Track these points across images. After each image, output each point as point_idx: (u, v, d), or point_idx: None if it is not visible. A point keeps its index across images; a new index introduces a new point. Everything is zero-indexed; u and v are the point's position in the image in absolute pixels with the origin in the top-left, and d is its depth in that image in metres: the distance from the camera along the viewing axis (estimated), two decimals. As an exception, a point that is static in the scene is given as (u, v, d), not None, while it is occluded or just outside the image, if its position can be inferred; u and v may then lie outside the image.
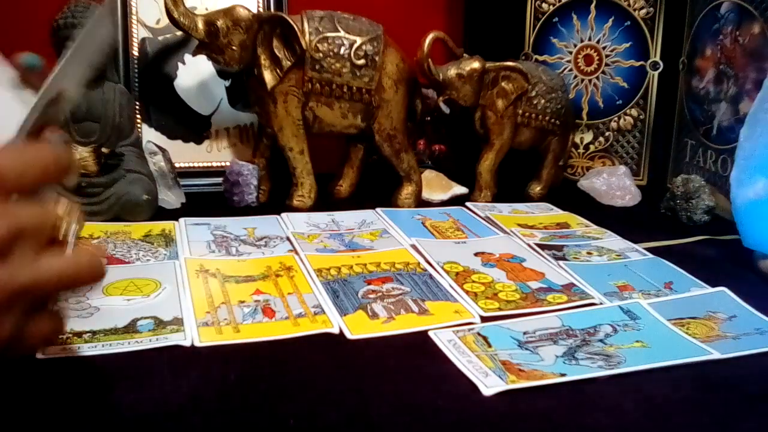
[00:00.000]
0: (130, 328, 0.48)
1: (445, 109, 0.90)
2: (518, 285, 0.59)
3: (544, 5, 0.97)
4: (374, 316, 0.52)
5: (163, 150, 0.81)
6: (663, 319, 0.52)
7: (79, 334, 0.46)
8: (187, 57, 0.89)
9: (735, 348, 0.48)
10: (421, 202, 0.86)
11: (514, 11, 0.98)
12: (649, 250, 0.69)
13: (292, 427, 0.38)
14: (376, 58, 0.79)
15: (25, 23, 0.85)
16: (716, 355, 0.47)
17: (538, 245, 0.69)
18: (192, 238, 0.67)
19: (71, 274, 0.32)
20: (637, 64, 0.97)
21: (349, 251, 0.66)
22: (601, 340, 0.49)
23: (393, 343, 0.48)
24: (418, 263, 0.63)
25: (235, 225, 0.72)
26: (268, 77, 0.76)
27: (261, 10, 0.91)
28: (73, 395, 0.40)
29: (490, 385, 0.42)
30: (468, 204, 0.85)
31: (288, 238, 0.69)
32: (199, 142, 0.90)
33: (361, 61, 0.78)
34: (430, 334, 0.49)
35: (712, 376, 0.45)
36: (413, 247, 0.67)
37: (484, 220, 0.79)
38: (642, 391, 0.43)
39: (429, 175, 0.90)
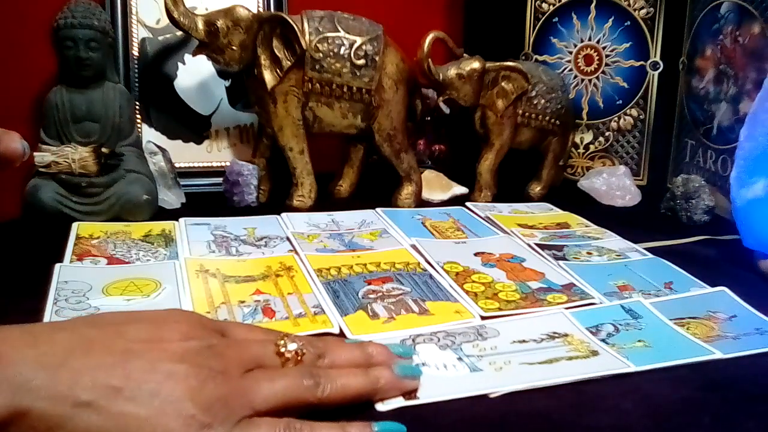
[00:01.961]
0: (130, 328, 0.48)
1: (445, 109, 0.89)
2: (518, 285, 0.59)
3: (544, 5, 0.96)
4: (374, 316, 0.52)
5: (163, 150, 0.81)
6: (665, 319, 0.52)
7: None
8: (187, 57, 0.89)
9: (735, 348, 0.48)
10: (421, 202, 0.86)
11: (514, 11, 0.98)
12: (649, 250, 0.69)
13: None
14: (376, 58, 0.79)
15: (25, 23, 0.85)
16: (719, 354, 0.47)
17: (538, 245, 0.69)
18: (192, 238, 0.67)
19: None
20: (637, 64, 0.97)
21: (349, 251, 0.66)
22: (603, 340, 0.49)
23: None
24: (418, 263, 0.63)
25: (235, 225, 0.72)
26: (268, 77, 0.76)
27: (261, 10, 0.91)
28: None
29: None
30: (468, 204, 0.85)
31: (288, 238, 0.69)
32: (199, 142, 0.90)
33: (361, 61, 0.78)
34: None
35: (712, 376, 0.45)
36: (413, 247, 0.67)
37: (484, 220, 0.79)
38: (642, 391, 0.43)
39: (429, 175, 0.90)
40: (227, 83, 0.88)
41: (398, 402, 0.40)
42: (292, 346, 0.38)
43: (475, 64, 0.83)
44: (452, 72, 0.82)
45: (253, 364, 0.36)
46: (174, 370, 0.32)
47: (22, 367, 0.29)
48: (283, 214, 0.76)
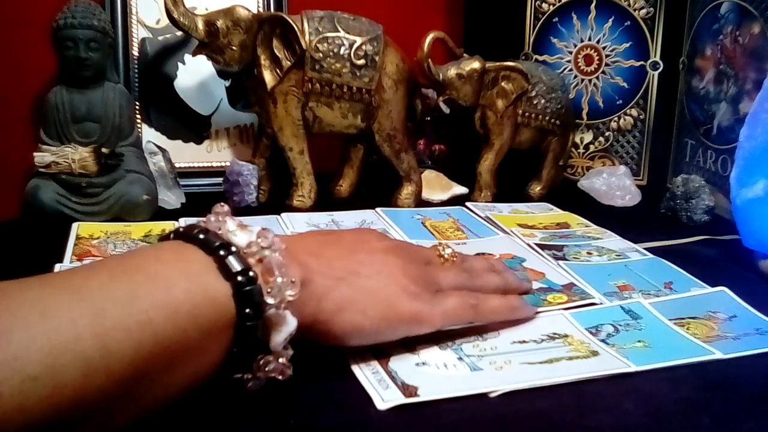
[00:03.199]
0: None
1: (445, 109, 0.90)
2: (518, 285, 0.59)
3: (544, 5, 0.97)
4: (374, 316, 0.52)
5: (163, 150, 0.81)
6: (664, 319, 0.52)
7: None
8: (187, 57, 0.89)
9: (735, 348, 0.48)
10: (421, 202, 0.86)
11: (514, 11, 0.98)
12: (649, 250, 0.69)
13: (292, 427, 0.38)
14: (376, 58, 0.79)
15: (25, 23, 0.85)
16: (719, 355, 0.47)
17: (538, 245, 0.69)
18: (192, 238, 0.67)
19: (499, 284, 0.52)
20: (637, 64, 0.97)
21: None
22: (603, 340, 0.49)
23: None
24: (419, 263, 0.63)
25: (235, 225, 0.72)
26: (268, 77, 0.76)
27: (261, 10, 0.91)
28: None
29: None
30: (468, 204, 0.85)
31: (288, 238, 0.69)
32: (199, 142, 0.90)
33: (361, 61, 0.78)
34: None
35: (712, 376, 0.45)
36: (413, 247, 0.67)
37: (484, 220, 0.79)
38: (642, 391, 0.43)
39: (429, 175, 0.90)
40: (227, 83, 0.88)
41: (399, 400, 0.40)
42: (448, 251, 0.51)
43: (475, 64, 0.83)
44: (452, 72, 0.82)
45: (426, 261, 0.49)
46: (386, 258, 0.45)
47: (298, 255, 0.40)
48: (283, 214, 0.76)
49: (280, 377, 0.38)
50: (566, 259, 0.66)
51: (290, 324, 0.37)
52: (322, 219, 0.76)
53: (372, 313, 0.42)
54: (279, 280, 0.36)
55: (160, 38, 0.88)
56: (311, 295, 0.39)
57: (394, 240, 0.50)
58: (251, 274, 0.35)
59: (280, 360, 0.38)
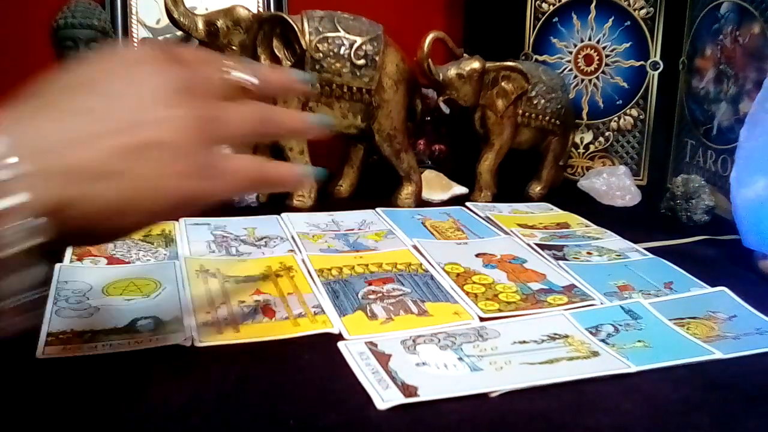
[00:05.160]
0: (131, 328, 0.48)
1: (445, 109, 0.89)
2: (519, 286, 0.59)
3: (544, 5, 0.97)
4: (373, 316, 0.52)
5: (163, 150, 0.81)
6: (664, 319, 0.52)
7: (80, 334, 0.46)
8: (187, 57, 0.89)
9: (735, 348, 0.48)
10: (421, 202, 0.86)
11: (514, 11, 0.98)
12: (649, 250, 0.69)
13: (292, 427, 0.38)
14: (376, 58, 0.79)
15: (25, 23, 0.85)
16: (719, 355, 0.47)
17: (539, 245, 0.69)
18: (192, 238, 0.67)
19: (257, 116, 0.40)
20: (637, 64, 0.97)
21: (353, 252, 0.66)
22: (603, 340, 0.49)
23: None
24: (420, 264, 0.63)
25: (235, 225, 0.72)
26: (268, 77, 0.76)
27: (261, 10, 0.91)
28: (72, 395, 0.40)
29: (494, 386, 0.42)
30: (468, 204, 0.85)
31: (292, 238, 0.69)
32: (199, 142, 0.90)
33: (361, 61, 0.78)
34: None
35: (712, 376, 0.45)
36: (414, 247, 0.67)
37: (484, 220, 0.79)
38: (642, 391, 0.43)
39: (429, 175, 0.90)
40: (227, 83, 0.88)
41: (398, 400, 0.40)
42: (241, 76, 0.41)
43: (475, 64, 0.83)
44: (452, 72, 0.82)
45: (208, 93, 0.38)
46: (155, 134, 0.34)
47: (38, 160, 0.32)
48: (283, 214, 0.76)
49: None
50: (566, 259, 0.66)
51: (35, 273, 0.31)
52: (322, 219, 0.76)
53: (139, 217, 0.35)
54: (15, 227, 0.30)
55: (160, 38, 0.88)
56: (66, 218, 0.31)
57: (169, 72, 0.36)
58: None
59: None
